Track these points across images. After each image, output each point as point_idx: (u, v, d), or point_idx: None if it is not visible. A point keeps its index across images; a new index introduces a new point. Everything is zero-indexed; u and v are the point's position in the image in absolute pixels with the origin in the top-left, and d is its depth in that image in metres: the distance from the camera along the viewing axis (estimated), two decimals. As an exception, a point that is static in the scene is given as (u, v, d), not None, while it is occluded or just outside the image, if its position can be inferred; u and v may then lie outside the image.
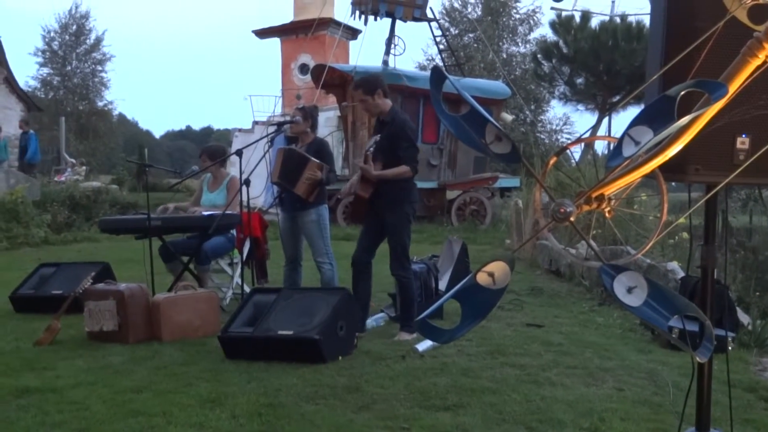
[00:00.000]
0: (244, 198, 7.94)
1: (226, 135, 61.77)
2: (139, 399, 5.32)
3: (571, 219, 2.53)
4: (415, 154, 7.22)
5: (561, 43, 35.36)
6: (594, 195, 2.61)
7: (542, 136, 40.54)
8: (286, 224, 8.08)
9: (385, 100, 7.28)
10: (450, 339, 2.78)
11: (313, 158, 7.67)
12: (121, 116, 59.26)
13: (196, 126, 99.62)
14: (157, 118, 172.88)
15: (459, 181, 21.70)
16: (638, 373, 5.97)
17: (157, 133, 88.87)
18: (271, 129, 8.38)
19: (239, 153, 7.60)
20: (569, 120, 41.70)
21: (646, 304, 2.50)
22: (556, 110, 43.09)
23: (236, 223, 8.29)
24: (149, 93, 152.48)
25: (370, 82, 7.31)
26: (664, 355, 6.50)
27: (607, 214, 2.65)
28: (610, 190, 2.65)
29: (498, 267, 2.62)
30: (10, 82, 27.76)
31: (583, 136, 3.13)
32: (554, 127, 42.34)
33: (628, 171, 2.58)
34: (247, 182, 7.69)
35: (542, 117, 41.98)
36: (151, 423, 4.81)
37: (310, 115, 8.07)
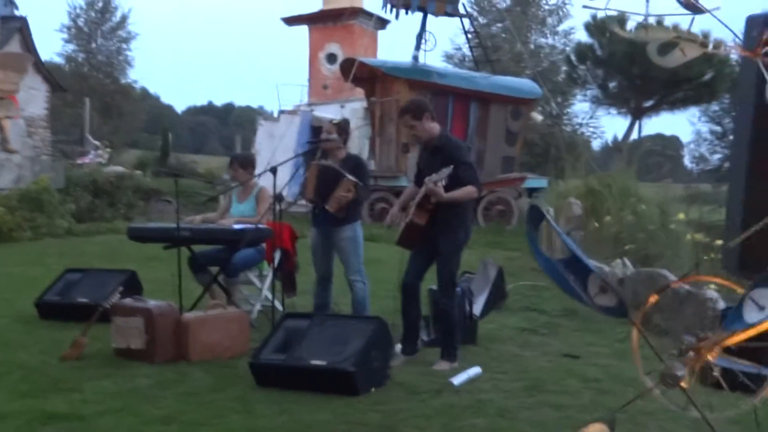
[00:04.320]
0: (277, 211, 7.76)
1: (248, 112, 61.59)
2: (167, 432, 5.18)
3: (683, 384, 2.34)
4: (476, 174, 7.04)
5: (596, 45, 35.03)
6: (706, 353, 2.43)
7: (567, 129, 40.08)
8: (318, 240, 7.92)
9: (433, 123, 7.07)
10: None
11: (348, 175, 7.51)
12: (143, 90, 58.79)
13: (218, 102, 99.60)
14: (178, 93, 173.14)
15: (486, 180, 21.38)
16: (684, 420, 5.64)
17: (179, 108, 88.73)
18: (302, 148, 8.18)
19: (274, 170, 7.39)
20: (595, 114, 41.30)
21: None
22: (581, 105, 42.44)
23: (268, 237, 8.12)
24: (171, 68, 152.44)
25: (418, 106, 7.09)
26: (706, 394, 6.18)
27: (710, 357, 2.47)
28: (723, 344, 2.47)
29: (597, 430, 2.44)
30: (37, 64, 27.67)
31: (690, 274, 2.93)
32: (580, 120, 41.95)
33: (746, 330, 2.39)
34: (280, 198, 7.50)
35: (567, 110, 41.58)
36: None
37: (344, 130, 7.92)
